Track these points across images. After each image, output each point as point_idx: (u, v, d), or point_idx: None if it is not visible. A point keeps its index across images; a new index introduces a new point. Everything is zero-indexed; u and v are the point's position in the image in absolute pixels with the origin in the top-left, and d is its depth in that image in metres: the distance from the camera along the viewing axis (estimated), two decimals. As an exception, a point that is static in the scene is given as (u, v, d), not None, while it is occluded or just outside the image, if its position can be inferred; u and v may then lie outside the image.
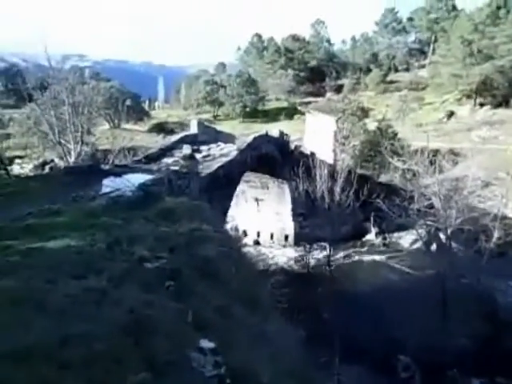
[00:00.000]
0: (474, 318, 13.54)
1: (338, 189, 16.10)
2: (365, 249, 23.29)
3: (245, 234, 24.58)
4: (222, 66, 77.89)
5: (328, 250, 18.21)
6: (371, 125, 34.89)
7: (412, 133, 34.26)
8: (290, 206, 22.47)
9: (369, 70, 64.52)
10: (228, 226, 22.02)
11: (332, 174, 17.99)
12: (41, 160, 25.96)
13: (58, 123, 14.41)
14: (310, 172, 18.13)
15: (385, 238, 24.22)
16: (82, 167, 11.80)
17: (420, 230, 19.09)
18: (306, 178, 17.34)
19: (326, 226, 17.65)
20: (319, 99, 53.42)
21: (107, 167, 13.28)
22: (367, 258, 22.44)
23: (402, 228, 22.60)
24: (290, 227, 23.39)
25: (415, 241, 22.72)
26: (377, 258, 22.54)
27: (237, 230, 24.38)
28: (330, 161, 23.93)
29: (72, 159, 13.76)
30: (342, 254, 21.41)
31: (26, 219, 6.54)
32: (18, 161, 26.18)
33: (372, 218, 23.43)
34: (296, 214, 22.52)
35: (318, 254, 20.32)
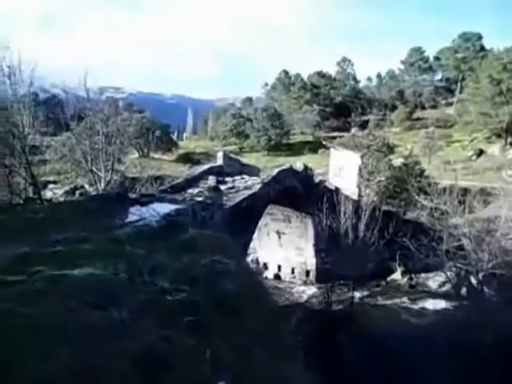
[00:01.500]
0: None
1: (362, 225, 15.78)
2: (390, 289, 22.39)
3: (265, 267, 24.24)
4: (249, 100, 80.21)
5: (351, 288, 17.60)
6: (397, 161, 34.53)
7: (439, 170, 33.60)
8: (312, 241, 22.11)
9: (394, 107, 64.79)
10: (249, 259, 21.83)
11: (356, 210, 17.70)
12: (72, 186, 26.98)
13: (91, 152, 15.01)
14: (334, 207, 17.92)
15: (411, 279, 23.25)
16: (111, 195, 12.13)
17: (449, 273, 18.24)
18: (330, 213, 17.13)
19: (349, 264, 17.16)
20: (344, 134, 53.66)
21: (134, 196, 13.57)
22: (392, 298, 21.51)
23: (430, 269, 21.69)
24: (311, 263, 22.91)
25: (444, 283, 21.67)
26: (402, 298, 21.57)
27: (258, 262, 24.12)
28: (355, 196, 23.66)
29: (102, 187, 14.21)
30: (365, 293, 20.64)
31: (54, 246, 6.69)
32: (51, 186, 27.30)
33: (398, 257, 22.66)
34: (318, 250, 22.08)
35: (341, 293, 19.65)
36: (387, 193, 28.54)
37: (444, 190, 18.05)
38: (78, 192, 26.46)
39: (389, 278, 23.69)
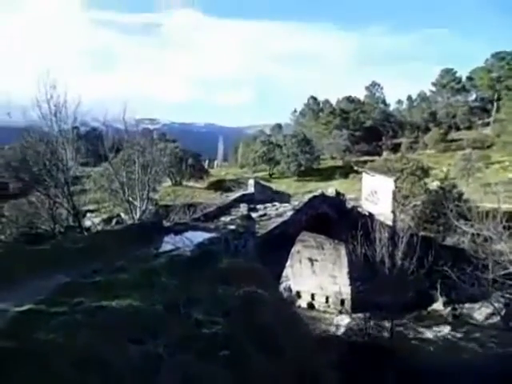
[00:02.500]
0: None
1: (399, 253, 15.16)
2: (432, 319, 21.11)
3: (298, 295, 23.65)
4: (278, 127, 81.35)
5: (390, 319, 16.74)
6: (433, 184, 33.39)
7: (479, 193, 32.10)
8: (346, 269, 21.45)
9: (427, 129, 63.43)
10: (282, 287, 21.42)
11: (392, 236, 17.09)
12: (109, 214, 27.94)
13: (127, 182, 15.55)
14: (369, 233, 17.41)
15: (455, 309, 21.84)
16: (146, 224, 12.44)
17: (497, 304, 17.02)
18: (364, 240, 16.64)
19: (386, 293, 16.41)
20: (375, 158, 52.86)
21: (168, 224, 13.83)
22: (434, 330, 20.24)
23: (475, 299, 20.34)
24: (346, 291, 22.13)
25: (491, 315, 20.20)
26: (445, 330, 20.25)
27: (290, 290, 23.60)
28: (389, 222, 22.92)
29: (137, 216, 14.60)
30: (406, 324, 19.55)
31: (93, 276, 6.87)
32: (89, 214, 28.39)
33: (439, 286, 21.45)
34: (353, 278, 21.35)
35: (379, 323, 18.73)
36: (424, 218, 27.46)
37: (486, 214, 17.12)
38: (114, 220, 27.34)
39: (430, 308, 22.38)
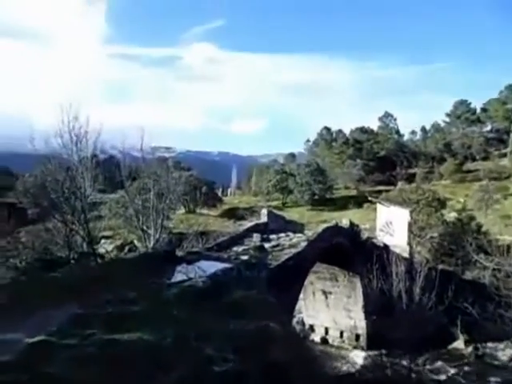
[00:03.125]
0: None
1: (417, 289, 14.66)
2: (452, 359, 20.05)
3: (312, 329, 22.94)
4: (292, 156, 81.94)
5: (408, 357, 15.98)
6: (450, 216, 32.74)
7: (498, 225, 31.26)
8: (361, 303, 20.79)
9: (442, 160, 62.94)
10: (295, 320, 20.86)
11: (409, 270, 16.61)
12: (122, 241, 28.14)
13: (142, 210, 15.70)
14: (384, 266, 16.97)
15: (477, 349, 20.76)
16: (159, 254, 12.45)
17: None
18: (380, 273, 16.20)
19: (403, 329, 15.76)
20: (390, 188, 52.43)
21: (181, 253, 13.80)
22: (456, 370, 19.20)
23: (498, 338, 19.35)
24: (361, 326, 21.36)
25: (516, 355, 19.15)
26: (469, 372, 19.19)
27: (303, 324, 22.94)
28: (406, 254, 22.40)
29: (151, 244, 14.64)
30: (425, 362, 18.62)
31: (105, 307, 6.83)
32: (103, 240, 28.63)
33: (459, 323, 20.53)
34: (369, 312, 20.64)
35: (396, 361, 17.87)
36: (442, 250, 26.75)
37: (507, 247, 16.60)
38: (127, 247, 27.49)
39: (450, 347, 21.34)
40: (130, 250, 25.66)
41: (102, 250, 22.99)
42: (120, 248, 27.45)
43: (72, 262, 14.46)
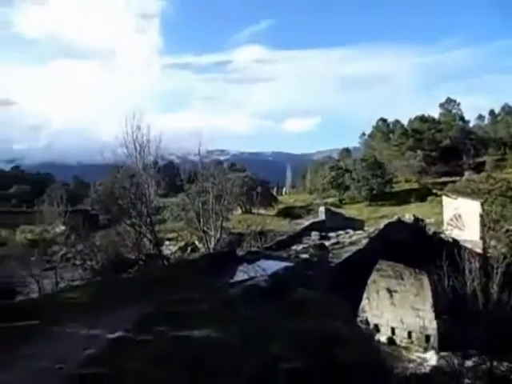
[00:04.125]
0: None
1: (494, 286, 13.48)
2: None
3: (377, 329, 22.09)
4: (347, 151, 79.79)
5: (489, 360, 14.73)
6: (528, 206, 29.69)
7: None
8: (430, 302, 19.56)
9: (516, 145, 57.41)
10: (358, 320, 20.25)
11: (484, 266, 15.33)
12: (184, 242, 29.34)
13: (202, 212, 16.26)
14: (455, 262, 15.84)
15: None
16: (220, 254, 12.81)
17: None
18: (451, 270, 15.14)
19: (480, 330, 14.60)
20: (456, 179, 48.93)
21: (241, 253, 14.07)
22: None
23: None
24: (432, 327, 20.09)
25: None
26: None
27: (367, 323, 22.21)
28: (479, 249, 20.70)
29: (212, 245, 15.12)
30: (509, 368, 17.01)
31: (172, 306, 7.16)
32: (166, 242, 30.12)
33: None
34: (440, 312, 19.37)
35: (474, 364, 16.57)
36: (520, 244, 24.36)
37: None
38: (189, 248, 28.62)
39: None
40: (192, 251, 26.67)
41: (166, 252, 24.24)
42: (183, 249, 28.64)
43: (141, 263, 15.44)
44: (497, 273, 13.93)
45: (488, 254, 20.01)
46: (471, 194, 27.96)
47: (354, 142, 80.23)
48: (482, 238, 21.85)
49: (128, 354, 4.95)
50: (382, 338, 21.77)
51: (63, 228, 23.90)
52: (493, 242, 23.92)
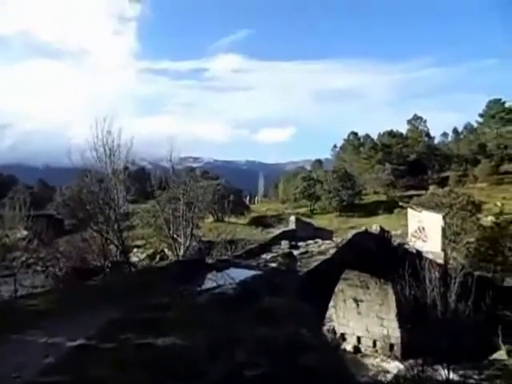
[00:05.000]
0: None
1: (452, 295, 14.12)
2: (496, 371, 19.02)
3: (343, 338, 22.48)
4: (319, 162, 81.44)
5: (447, 367, 15.32)
6: (486, 220, 31.35)
7: (541, 230, 29.57)
8: (395, 311, 20.18)
9: (476, 161, 60.55)
10: (325, 328, 20.54)
11: (444, 276, 16.01)
12: (153, 250, 28.81)
13: (172, 219, 16.10)
14: (417, 273, 16.47)
15: (521, 360, 19.60)
16: (190, 261, 12.72)
17: None
18: (413, 280, 15.72)
19: (439, 338, 15.19)
20: (421, 193, 50.97)
21: (210, 261, 14.02)
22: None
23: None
24: (395, 335, 20.69)
25: None
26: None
27: (334, 332, 22.55)
28: (440, 260, 21.60)
29: (181, 253, 14.97)
30: (466, 374, 17.75)
31: (140, 312, 7.06)
32: (135, 250, 29.44)
33: (500, 333, 19.50)
34: (403, 321, 20.02)
35: (433, 372, 17.17)
36: (478, 256, 25.61)
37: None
38: (158, 256, 28.11)
39: (491, 357, 20.25)
40: (161, 259, 26.22)
41: (134, 259, 23.71)
42: (151, 257, 28.12)
43: (107, 270, 15.02)
44: (455, 283, 14.58)
45: (448, 265, 20.92)
46: (434, 207, 29.24)
47: (326, 154, 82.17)
48: (444, 249, 22.85)
49: (89, 361, 4.85)
50: (348, 346, 22.17)
51: (25, 233, 22.87)
52: (454, 254, 25.07)
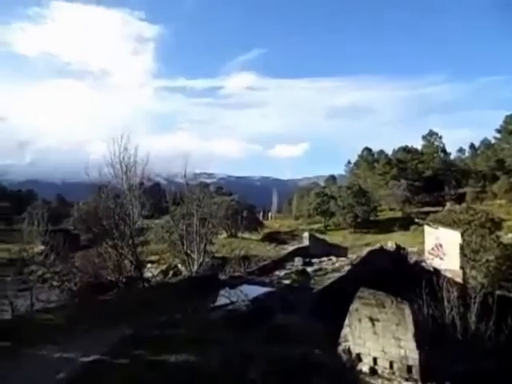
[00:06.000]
0: None
1: (472, 316, 13.60)
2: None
3: (359, 358, 21.84)
4: (332, 178, 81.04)
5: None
6: (507, 237, 30.44)
7: None
8: (412, 331, 19.50)
9: (494, 178, 59.30)
10: (340, 348, 20.03)
11: (463, 296, 15.51)
12: (167, 265, 28.84)
13: (186, 235, 16.17)
14: (435, 292, 16.00)
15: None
16: (203, 277, 12.70)
17: None
18: (431, 299, 15.25)
19: (460, 361, 14.62)
20: (438, 209, 50.01)
21: (223, 277, 13.96)
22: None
23: None
24: (413, 357, 19.85)
25: None
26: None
27: (349, 352, 21.94)
28: (459, 279, 20.99)
29: (195, 268, 14.97)
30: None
31: (153, 329, 7.06)
32: (148, 265, 29.56)
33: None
34: (421, 342, 19.33)
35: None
36: (499, 275, 24.75)
37: None
38: (171, 272, 28.11)
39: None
40: (174, 274, 26.21)
41: (148, 274, 23.77)
42: (165, 272, 28.12)
43: (121, 285, 15.11)
44: (474, 302, 14.07)
45: (467, 284, 20.28)
46: (452, 224, 28.57)
47: (339, 170, 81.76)
48: (462, 267, 22.20)
49: (102, 377, 4.85)
50: (364, 367, 21.49)
51: (42, 247, 23.27)
52: (473, 273, 24.29)
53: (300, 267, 14.88)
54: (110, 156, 13.95)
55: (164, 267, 29.70)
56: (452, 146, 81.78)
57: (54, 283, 19.07)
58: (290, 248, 19.59)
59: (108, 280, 16.11)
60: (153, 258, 30.59)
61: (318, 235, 26.25)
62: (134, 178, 14.51)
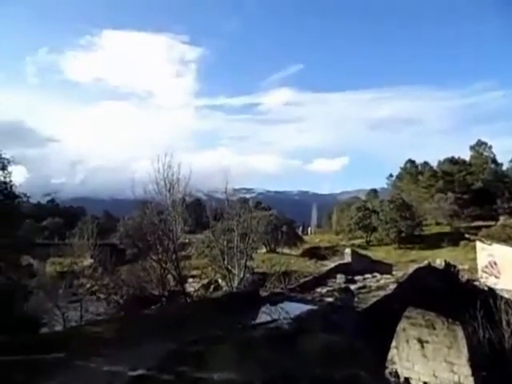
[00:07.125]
0: None
1: (536, 340, 12.48)
2: None
3: (407, 382, 20.63)
4: (374, 192, 78.81)
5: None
6: None
7: None
8: (466, 355, 18.17)
9: (555, 190, 54.89)
10: (387, 371, 19.06)
11: (523, 319, 14.29)
12: (208, 280, 29.17)
13: (227, 250, 16.31)
14: (491, 313, 14.88)
15: None
16: (244, 293, 12.68)
17: None
18: (487, 322, 14.18)
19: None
20: (490, 223, 46.96)
21: (264, 293, 13.86)
22: None
23: None
24: (468, 383, 18.58)
25: None
26: None
27: (397, 376, 20.85)
28: (518, 299, 19.41)
29: (235, 284, 15.01)
30: None
31: (195, 345, 7.11)
32: (190, 280, 30.06)
33: None
34: (477, 367, 17.94)
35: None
36: None
37: None
38: (212, 286, 28.39)
39: None
40: (215, 289, 26.45)
41: (190, 289, 24.15)
42: (206, 287, 28.45)
43: (164, 299, 15.46)
44: (538, 326, 12.95)
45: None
46: (507, 239, 26.71)
47: (381, 183, 79.52)
48: (522, 287, 20.53)
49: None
50: (414, 392, 20.28)
51: (91, 261, 24.45)
52: (533, 293, 22.38)
53: (343, 284, 14.46)
54: (154, 173, 14.53)
55: (205, 282, 30.11)
56: (503, 156, 76.74)
57: (101, 296, 19.90)
58: (331, 264, 19.14)
59: (152, 294, 16.57)
60: (194, 272, 31.11)
61: (360, 251, 25.47)
62: (177, 195, 14.95)
